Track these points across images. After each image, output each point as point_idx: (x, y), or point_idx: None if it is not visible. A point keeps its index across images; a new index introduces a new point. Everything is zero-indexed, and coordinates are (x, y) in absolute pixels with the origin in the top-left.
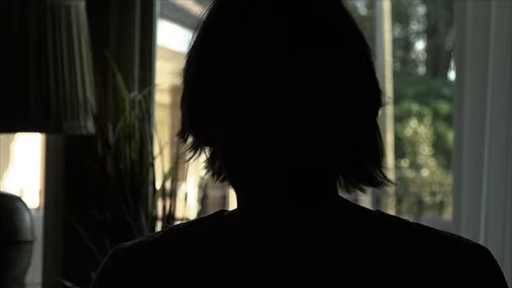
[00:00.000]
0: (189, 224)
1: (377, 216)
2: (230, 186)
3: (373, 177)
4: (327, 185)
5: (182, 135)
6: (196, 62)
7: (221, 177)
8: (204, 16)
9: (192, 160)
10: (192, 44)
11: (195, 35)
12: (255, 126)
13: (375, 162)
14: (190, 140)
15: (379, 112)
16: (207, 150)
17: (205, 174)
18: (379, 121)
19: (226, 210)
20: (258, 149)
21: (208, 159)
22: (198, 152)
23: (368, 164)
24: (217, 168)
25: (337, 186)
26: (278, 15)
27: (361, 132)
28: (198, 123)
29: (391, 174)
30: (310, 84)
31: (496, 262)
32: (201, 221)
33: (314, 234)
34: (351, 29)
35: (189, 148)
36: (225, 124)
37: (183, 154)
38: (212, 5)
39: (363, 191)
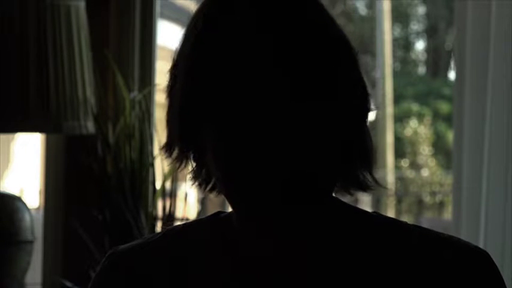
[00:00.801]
0: (187, 225)
1: (374, 218)
2: (221, 194)
3: (361, 181)
4: (321, 187)
5: (168, 148)
6: (186, 75)
7: (209, 187)
8: (193, 25)
9: (180, 170)
10: (180, 53)
11: (184, 45)
12: (246, 134)
13: (364, 166)
14: (175, 153)
15: (369, 115)
16: (192, 160)
17: (192, 184)
18: (379, 122)
19: (224, 212)
20: (249, 156)
21: (194, 168)
22: (184, 163)
23: (357, 168)
24: (204, 177)
25: (333, 189)
26: (263, 33)
27: (350, 137)
28: (188, 134)
29: (391, 174)
30: (298, 92)
31: (495, 265)
32: (199, 222)
33: (312, 234)
34: (334, 28)
35: (174, 160)
36: (217, 133)
37: None
38: (202, 12)
39: (351, 194)
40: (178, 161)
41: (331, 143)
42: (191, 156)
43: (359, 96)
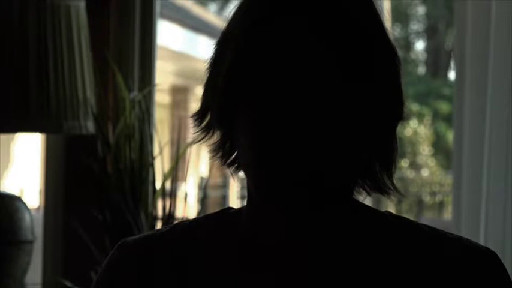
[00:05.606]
0: (196, 220)
1: (387, 218)
2: (242, 171)
3: (382, 184)
4: (341, 187)
5: (199, 116)
6: (236, 54)
7: (229, 160)
8: (246, 8)
9: (203, 141)
10: (230, 32)
11: (235, 25)
12: (277, 126)
13: (387, 171)
14: (205, 122)
15: (399, 123)
16: (217, 132)
17: (213, 155)
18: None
19: (232, 208)
20: (277, 148)
21: (218, 140)
22: (209, 134)
23: (380, 172)
24: (227, 150)
25: (354, 187)
26: (315, 21)
27: (378, 141)
28: (226, 108)
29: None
30: (333, 93)
31: (504, 266)
32: (208, 217)
33: (325, 235)
34: (380, 31)
35: (202, 129)
36: (251, 119)
37: (183, 154)
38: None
39: (369, 194)
40: (205, 131)
41: (358, 144)
42: (220, 127)
43: (394, 100)
